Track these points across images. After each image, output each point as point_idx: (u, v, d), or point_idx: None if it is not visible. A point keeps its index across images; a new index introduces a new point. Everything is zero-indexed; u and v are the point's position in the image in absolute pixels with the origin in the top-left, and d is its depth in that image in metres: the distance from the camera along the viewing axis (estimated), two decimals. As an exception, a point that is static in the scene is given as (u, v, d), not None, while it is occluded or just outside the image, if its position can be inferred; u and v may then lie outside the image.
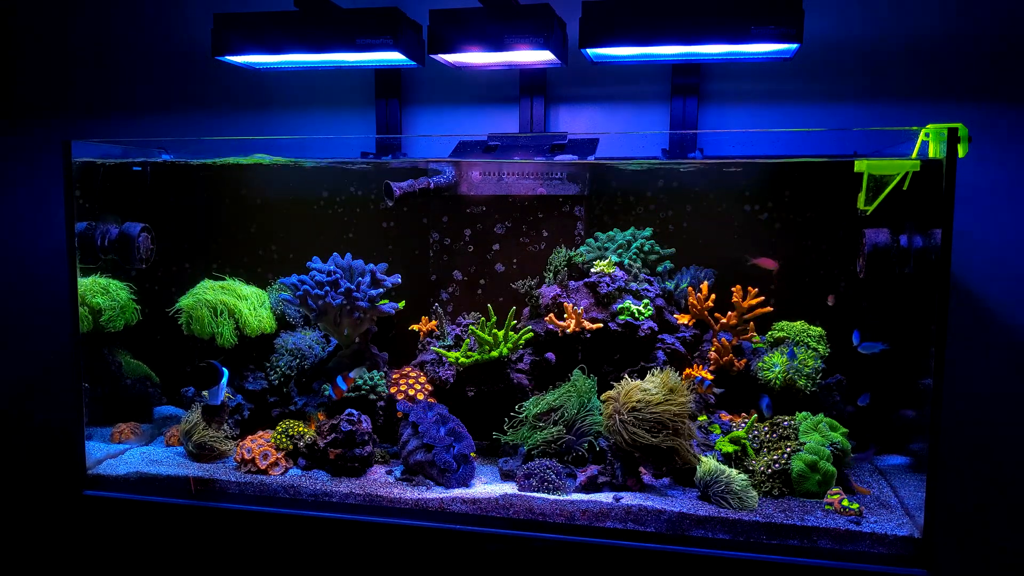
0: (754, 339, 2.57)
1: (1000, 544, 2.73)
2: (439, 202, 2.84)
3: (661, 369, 2.32)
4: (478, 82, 2.90)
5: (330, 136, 3.06)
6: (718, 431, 2.42)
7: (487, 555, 2.19)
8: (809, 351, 2.46)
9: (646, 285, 2.61)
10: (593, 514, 2.17)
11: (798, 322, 2.58)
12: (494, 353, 2.50)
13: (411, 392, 2.59)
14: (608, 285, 2.56)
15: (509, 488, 2.31)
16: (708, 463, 2.20)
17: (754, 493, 2.17)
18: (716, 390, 2.51)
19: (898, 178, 2.25)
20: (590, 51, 2.42)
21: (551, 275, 2.67)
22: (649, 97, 2.80)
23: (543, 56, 2.48)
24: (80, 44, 3.21)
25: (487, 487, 2.33)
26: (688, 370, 2.53)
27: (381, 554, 2.26)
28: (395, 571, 2.27)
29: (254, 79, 3.06)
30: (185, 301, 2.69)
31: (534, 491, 2.25)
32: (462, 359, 2.53)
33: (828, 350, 2.50)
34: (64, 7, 3.20)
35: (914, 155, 2.13)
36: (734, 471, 2.20)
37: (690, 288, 2.60)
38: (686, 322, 2.63)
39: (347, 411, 2.45)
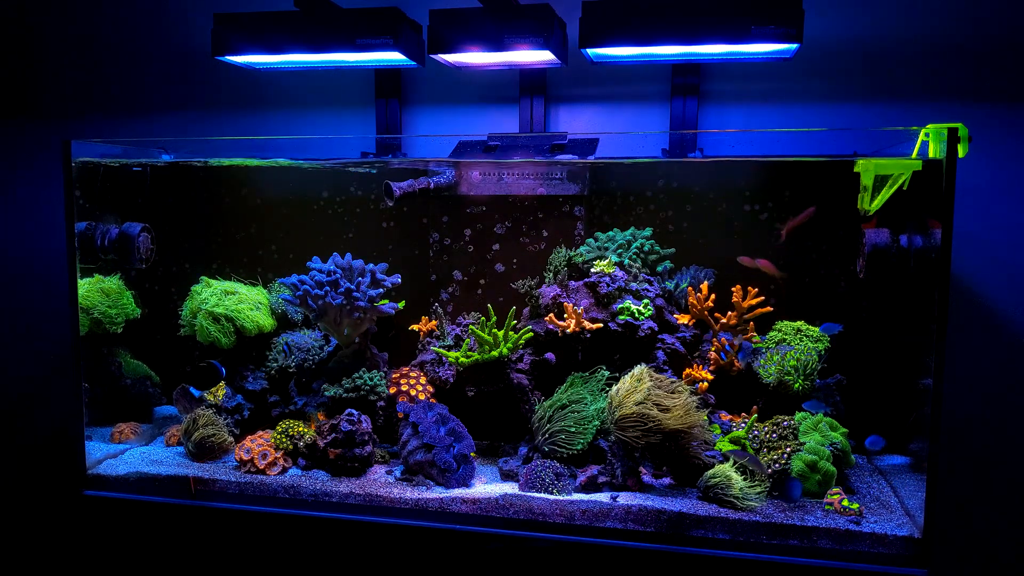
0: (754, 339, 2.57)
1: (1000, 544, 2.73)
2: (439, 202, 2.84)
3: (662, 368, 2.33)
4: (478, 82, 2.90)
5: (330, 136, 3.06)
6: (718, 431, 2.42)
7: (487, 555, 2.19)
8: (803, 348, 2.46)
9: (646, 285, 2.61)
10: (593, 514, 2.17)
11: (798, 322, 2.58)
12: (494, 353, 2.50)
13: (411, 392, 2.59)
14: (608, 285, 2.56)
15: (509, 488, 2.31)
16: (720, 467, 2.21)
17: (756, 492, 2.17)
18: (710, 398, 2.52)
19: (902, 179, 2.25)
20: (590, 51, 2.42)
21: (551, 275, 2.67)
22: (649, 97, 2.80)
23: (543, 56, 2.48)
24: (80, 44, 3.21)
25: (487, 487, 2.33)
26: (688, 370, 2.53)
27: (381, 554, 2.26)
28: (395, 571, 2.27)
29: (254, 79, 3.06)
30: (186, 311, 2.71)
31: (534, 491, 2.25)
32: (462, 359, 2.53)
33: (828, 346, 2.50)
34: (63, 7, 3.20)
35: (914, 155, 2.13)
36: (733, 469, 2.20)
37: (690, 288, 2.60)
38: (686, 322, 2.64)
39: (347, 411, 2.45)
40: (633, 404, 2.22)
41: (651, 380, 2.27)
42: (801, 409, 2.44)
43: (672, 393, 2.28)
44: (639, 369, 2.31)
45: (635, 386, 2.26)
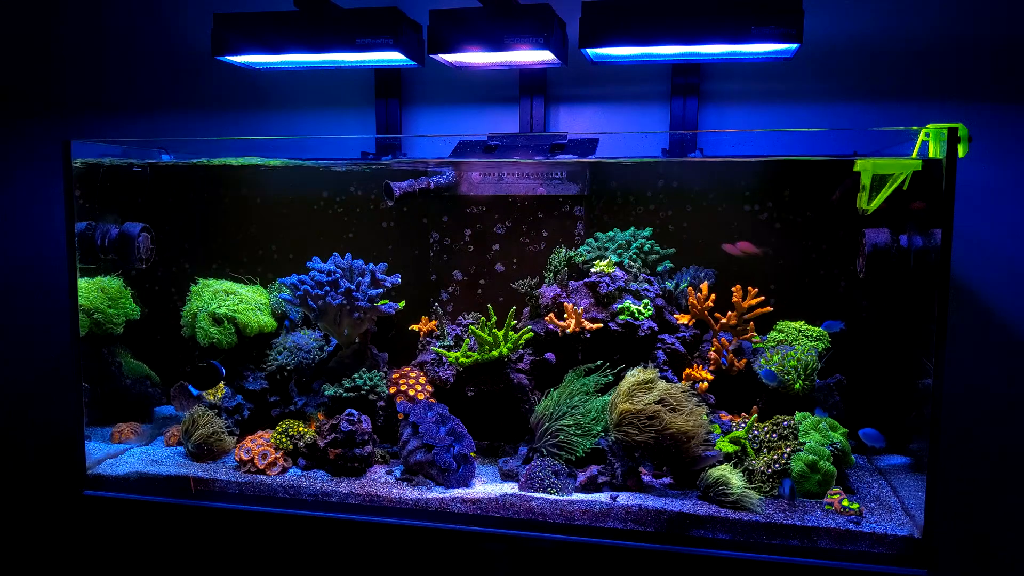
0: (754, 339, 2.57)
1: (1000, 544, 2.73)
2: (439, 202, 2.84)
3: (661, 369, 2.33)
4: (478, 82, 2.90)
5: (330, 136, 3.06)
6: (718, 431, 2.41)
7: (487, 555, 2.19)
8: (803, 348, 2.46)
9: (646, 285, 2.61)
10: (593, 514, 2.17)
11: (799, 322, 2.58)
12: (494, 353, 2.49)
13: (411, 392, 2.59)
14: (608, 285, 2.56)
15: (509, 488, 2.31)
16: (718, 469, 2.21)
17: (754, 494, 2.17)
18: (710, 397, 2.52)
19: (900, 178, 2.25)
20: (590, 51, 2.42)
21: (551, 275, 2.67)
22: (649, 97, 2.80)
23: (543, 56, 2.48)
24: (80, 44, 3.21)
25: (487, 487, 2.33)
26: (688, 370, 2.53)
27: (381, 554, 2.26)
28: (395, 571, 2.27)
29: (254, 79, 3.06)
30: (187, 312, 2.71)
31: (534, 491, 2.25)
32: (462, 359, 2.53)
33: (827, 346, 2.50)
34: (64, 6, 3.20)
35: (914, 155, 2.13)
36: (734, 473, 2.20)
37: (690, 288, 2.60)
38: (686, 322, 2.64)
39: (347, 411, 2.45)
40: (641, 403, 2.22)
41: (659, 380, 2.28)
42: (801, 409, 2.44)
43: (679, 395, 2.28)
44: (648, 373, 2.31)
45: (640, 386, 2.26)
